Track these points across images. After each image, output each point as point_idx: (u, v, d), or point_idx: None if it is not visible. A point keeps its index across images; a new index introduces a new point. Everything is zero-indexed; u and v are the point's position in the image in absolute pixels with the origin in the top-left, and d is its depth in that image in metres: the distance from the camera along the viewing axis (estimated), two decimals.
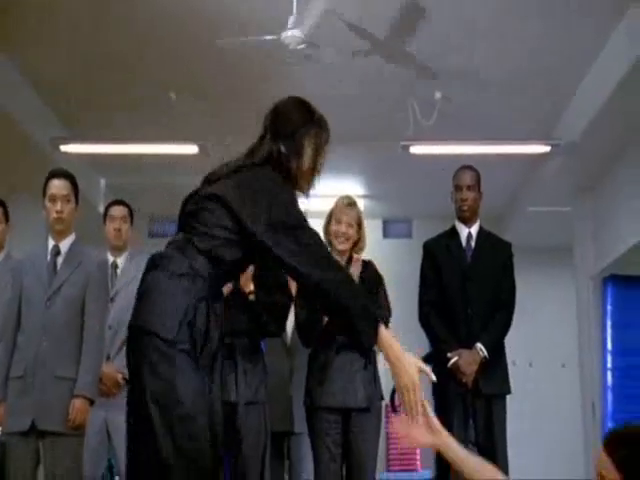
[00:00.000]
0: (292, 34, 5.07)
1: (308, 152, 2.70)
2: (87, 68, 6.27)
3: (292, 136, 2.69)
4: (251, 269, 3.65)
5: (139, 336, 2.47)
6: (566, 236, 8.16)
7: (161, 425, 2.38)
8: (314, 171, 2.74)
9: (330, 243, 4.25)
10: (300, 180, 2.71)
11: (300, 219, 2.57)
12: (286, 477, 4.76)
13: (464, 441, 4.30)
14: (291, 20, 5.09)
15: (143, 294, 2.54)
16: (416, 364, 2.49)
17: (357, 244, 4.29)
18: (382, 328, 2.49)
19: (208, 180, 2.73)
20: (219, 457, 2.54)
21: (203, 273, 2.51)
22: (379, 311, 2.64)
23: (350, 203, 4.29)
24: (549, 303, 9.23)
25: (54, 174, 4.12)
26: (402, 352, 2.49)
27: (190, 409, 2.39)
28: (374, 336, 2.48)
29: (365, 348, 2.60)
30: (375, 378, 4.22)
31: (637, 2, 5.33)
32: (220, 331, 2.54)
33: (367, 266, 4.32)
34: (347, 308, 2.49)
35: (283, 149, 2.68)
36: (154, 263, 2.57)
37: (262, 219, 2.52)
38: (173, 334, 2.41)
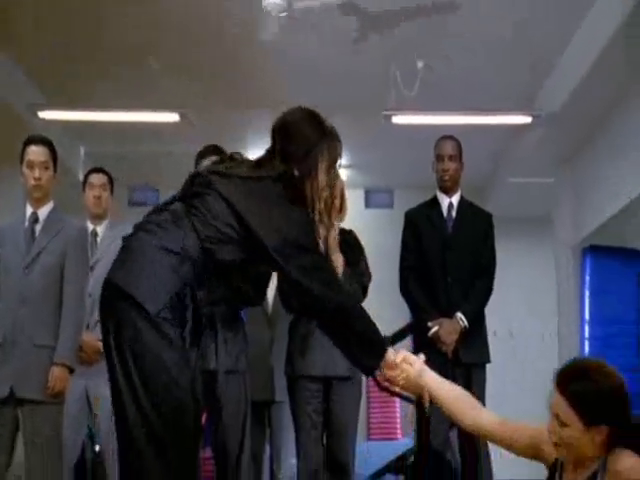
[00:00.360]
0: (274, 0, 5.03)
1: (322, 173, 2.62)
2: (65, 34, 6.18)
3: (305, 158, 2.61)
4: None
5: (118, 296, 2.44)
6: (547, 207, 8.19)
7: (144, 392, 2.39)
8: (331, 194, 2.66)
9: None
10: (315, 205, 2.61)
11: (313, 243, 2.54)
12: (267, 445, 4.79)
13: None
14: None
15: (128, 253, 2.50)
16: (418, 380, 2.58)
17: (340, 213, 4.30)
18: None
19: (217, 171, 2.64)
20: (200, 426, 2.55)
21: (192, 255, 2.47)
22: (385, 337, 2.68)
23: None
24: (529, 273, 9.27)
25: (32, 140, 4.08)
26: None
27: (174, 377, 2.40)
28: (379, 363, 2.54)
29: (366, 371, 2.67)
30: None
31: None
32: (200, 317, 2.54)
33: (348, 236, 4.32)
34: (361, 333, 2.53)
35: (296, 172, 2.60)
36: (146, 227, 2.53)
37: (276, 235, 2.49)
38: (158, 307, 2.40)
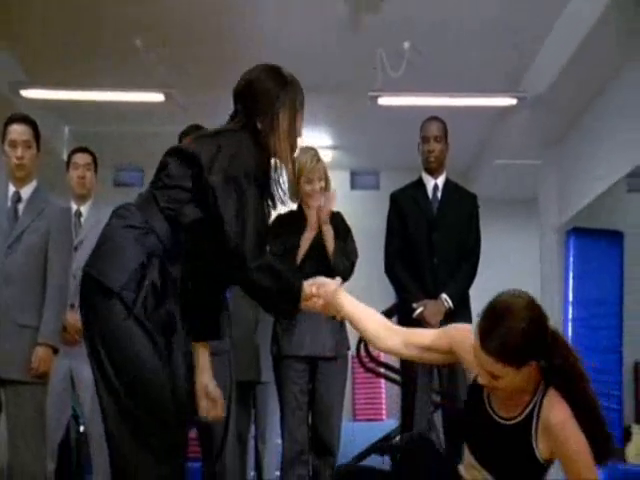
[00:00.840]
0: None
1: (284, 124, 2.67)
2: (49, 12, 6.12)
3: (267, 111, 2.65)
4: None
5: (90, 285, 2.47)
6: (532, 189, 8.21)
7: (120, 385, 2.41)
8: (293, 138, 2.70)
9: (302, 201, 4.26)
10: (279, 151, 2.67)
11: (250, 182, 2.53)
12: (252, 426, 4.79)
13: (429, 389, 4.37)
14: None
15: (99, 243, 2.54)
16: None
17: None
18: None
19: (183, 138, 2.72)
20: (183, 419, 2.54)
21: (158, 231, 2.49)
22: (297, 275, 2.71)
23: (317, 159, 4.29)
24: (514, 255, 9.30)
25: (14, 119, 4.04)
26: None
27: (146, 373, 2.40)
28: (298, 305, 2.61)
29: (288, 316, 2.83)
30: (342, 327, 4.24)
31: None
32: (176, 300, 2.51)
33: (335, 217, 4.32)
34: (277, 288, 2.56)
35: (259, 125, 2.65)
36: (115, 214, 2.57)
37: (220, 169, 2.52)
38: (122, 281, 2.41)
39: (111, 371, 2.41)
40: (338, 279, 2.70)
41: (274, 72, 2.73)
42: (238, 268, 2.51)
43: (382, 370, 5.78)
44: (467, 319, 4.49)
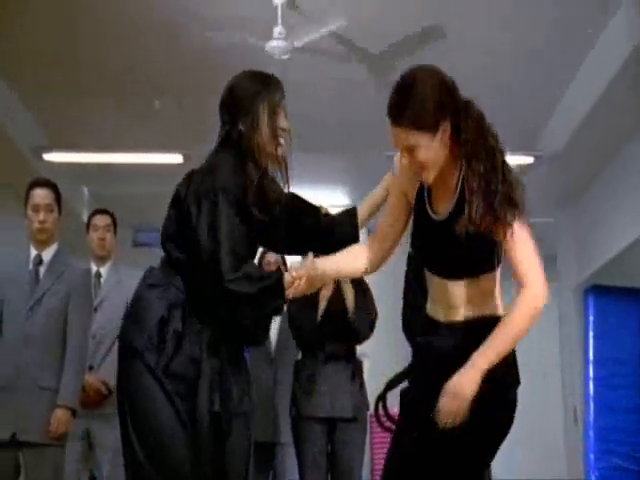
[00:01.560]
0: (277, 44, 5.08)
1: (264, 121, 2.65)
2: (71, 76, 6.24)
3: (248, 111, 2.64)
4: None
5: (121, 351, 2.53)
6: (549, 247, 8.19)
7: (140, 449, 2.42)
8: (274, 132, 2.67)
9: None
10: (264, 151, 2.64)
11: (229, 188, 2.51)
12: None
13: None
14: (276, 31, 5.09)
15: (128, 309, 2.62)
16: None
17: None
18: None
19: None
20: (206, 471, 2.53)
21: (176, 283, 2.53)
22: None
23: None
24: None
25: (36, 183, 4.10)
26: None
27: (165, 438, 2.41)
28: (284, 296, 2.54)
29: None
30: (362, 388, 4.22)
31: (615, 19, 5.38)
32: (201, 339, 2.53)
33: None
34: (250, 295, 2.51)
35: (242, 127, 2.63)
36: (142, 278, 2.64)
37: (193, 191, 2.55)
38: (142, 343, 2.44)
39: (134, 436, 2.42)
40: (310, 255, 2.62)
41: (253, 74, 2.75)
42: (215, 283, 2.46)
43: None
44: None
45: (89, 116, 6.76)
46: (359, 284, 4.32)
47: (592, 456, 7.26)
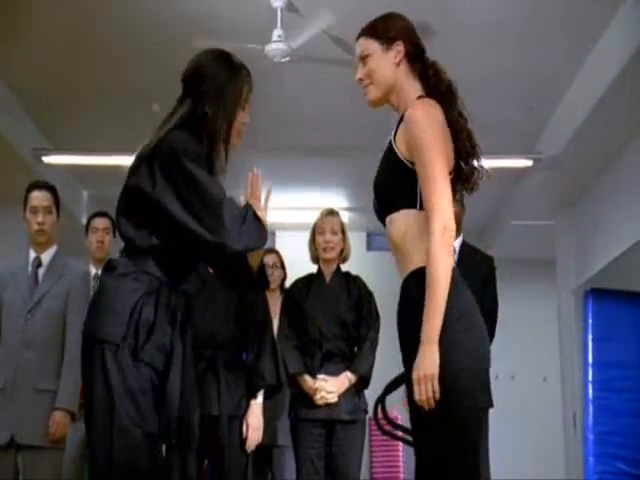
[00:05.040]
0: (276, 47, 5.08)
1: (237, 109, 2.63)
2: (70, 78, 6.24)
3: (219, 96, 2.60)
4: None
5: (88, 343, 2.46)
6: (548, 250, 8.19)
7: (100, 434, 2.38)
8: (240, 130, 2.66)
9: (317, 257, 4.30)
10: (227, 141, 2.62)
11: (206, 182, 2.47)
12: None
13: None
14: (275, 34, 5.10)
15: (92, 301, 2.54)
16: None
17: (342, 253, 4.32)
18: None
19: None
20: (162, 466, 2.49)
21: (148, 269, 2.48)
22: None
23: (331, 212, 4.34)
24: (531, 316, 9.25)
25: (35, 186, 4.11)
26: None
27: (126, 420, 2.36)
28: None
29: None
30: (359, 390, 4.22)
31: (616, 20, 5.38)
32: (174, 322, 2.49)
33: (354, 281, 4.34)
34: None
35: (209, 110, 2.59)
36: (104, 269, 2.58)
37: (160, 179, 2.48)
38: (121, 336, 2.39)
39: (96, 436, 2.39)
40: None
41: (224, 58, 2.70)
42: (224, 255, 2.48)
43: (399, 433, 5.71)
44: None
45: (88, 118, 6.76)
46: (361, 292, 4.32)
47: (591, 459, 7.25)
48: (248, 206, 2.55)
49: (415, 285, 2.29)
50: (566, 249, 7.93)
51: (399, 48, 2.47)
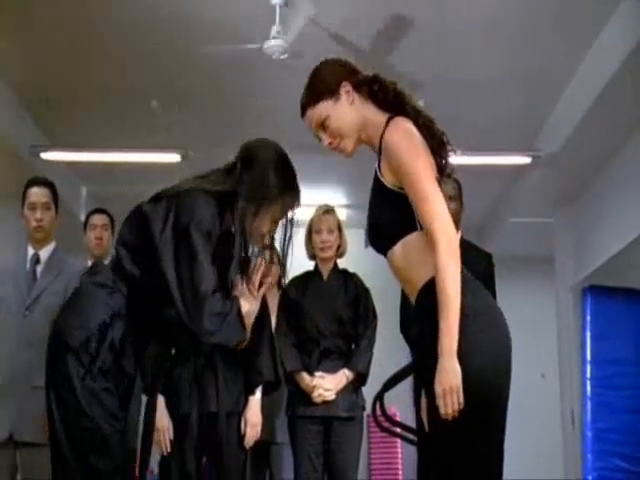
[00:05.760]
0: (275, 43, 5.08)
1: (266, 220, 2.63)
2: (68, 75, 6.24)
3: (257, 201, 2.60)
4: None
5: (56, 344, 2.50)
6: (547, 247, 8.19)
7: (65, 438, 2.42)
8: (262, 234, 2.65)
9: (314, 255, 4.30)
10: (247, 235, 2.61)
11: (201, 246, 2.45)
12: None
13: None
14: (274, 30, 5.09)
15: (69, 298, 2.61)
16: None
17: (338, 249, 4.33)
18: None
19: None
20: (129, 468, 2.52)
21: (123, 290, 2.51)
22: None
23: (327, 211, 4.33)
24: (529, 314, 9.25)
25: (33, 182, 4.10)
26: None
27: (93, 420, 2.40)
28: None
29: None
30: (357, 388, 4.21)
31: (616, 15, 5.38)
32: (137, 361, 2.52)
33: (352, 279, 4.34)
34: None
35: (242, 203, 2.59)
36: (90, 269, 2.61)
37: (169, 230, 2.49)
38: (80, 342, 2.43)
39: (63, 435, 2.42)
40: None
41: (282, 168, 2.68)
42: (193, 335, 2.47)
43: (398, 430, 5.70)
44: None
45: (87, 115, 6.75)
46: (358, 290, 4.32)
47: (590, 456, 7.26)
48: (235, 299, 2.53)
49: (428, 295, 2.27)
50: (564, 246, 7.93)
51: (346, 88, 2.43)
